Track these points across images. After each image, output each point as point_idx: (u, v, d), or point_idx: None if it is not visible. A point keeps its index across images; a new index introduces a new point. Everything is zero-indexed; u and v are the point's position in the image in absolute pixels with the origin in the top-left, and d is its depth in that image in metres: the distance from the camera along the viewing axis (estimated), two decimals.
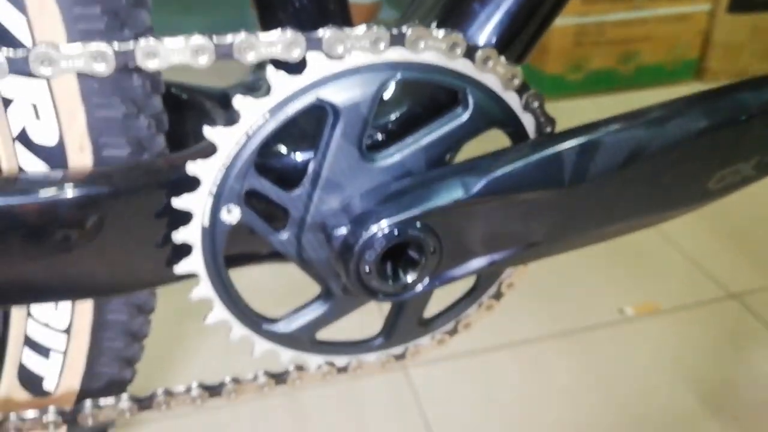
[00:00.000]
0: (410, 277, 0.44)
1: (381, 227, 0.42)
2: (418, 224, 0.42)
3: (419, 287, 0.45)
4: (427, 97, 0.45)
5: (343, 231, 0.43)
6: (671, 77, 2.11)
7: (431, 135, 0.44)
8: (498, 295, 0.54)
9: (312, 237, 0.44)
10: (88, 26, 0.39)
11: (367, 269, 0.42)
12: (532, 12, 0.45)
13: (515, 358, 1.09)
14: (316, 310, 0.48)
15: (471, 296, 0.53)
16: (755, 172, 0.46)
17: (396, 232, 0.42)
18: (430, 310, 0.54)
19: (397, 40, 0.40)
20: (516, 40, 0.45)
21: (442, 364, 1.06)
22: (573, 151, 0.42)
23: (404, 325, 0.52)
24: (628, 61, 2.04)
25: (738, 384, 1.09)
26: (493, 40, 0.44)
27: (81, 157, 0.43)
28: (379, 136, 0.46)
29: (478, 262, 0.45)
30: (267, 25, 0.48)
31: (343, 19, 0.48)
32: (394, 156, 0.44)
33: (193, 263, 0.43)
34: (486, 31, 0.44)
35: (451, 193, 0.42)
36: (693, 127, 0.43)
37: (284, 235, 0.44)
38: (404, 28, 0.40)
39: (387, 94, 0.45)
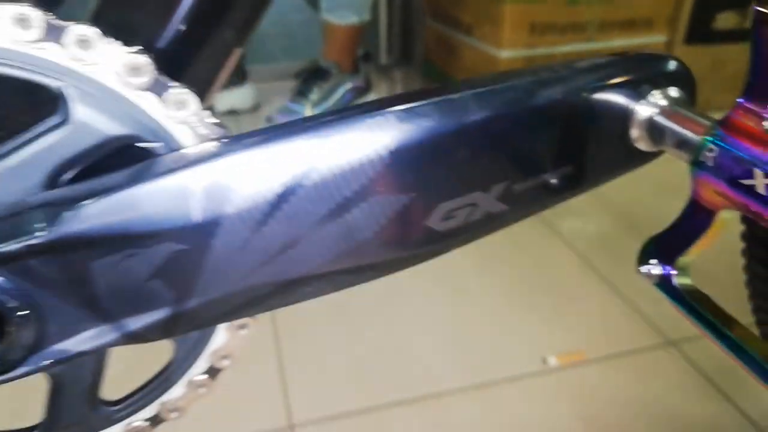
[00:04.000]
0: None
1: None
2: None
3: (22, 369, 0.32)
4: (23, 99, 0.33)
5: None
6: None
7: (22, 153, 0.31)
8: (212, 371, 0.40)
9: None
10: None
11: None
12: None
13: (419, 415, 0.97)
14: None
15: (170, 371, 0.40)
16: (505, 205, 0.33)
17: None
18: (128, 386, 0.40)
19: None
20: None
21: (334, 423, 0.93)
22: (216, 172, 0.29)
23: (69, 410, 0.38)
24: None
25: None
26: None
27: None
28: None
29: (100, 334, 0.32)
30: None
31: None
32: None
33: None
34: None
35: (27, 234, 0.29)
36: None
37: None
38: None
39: None
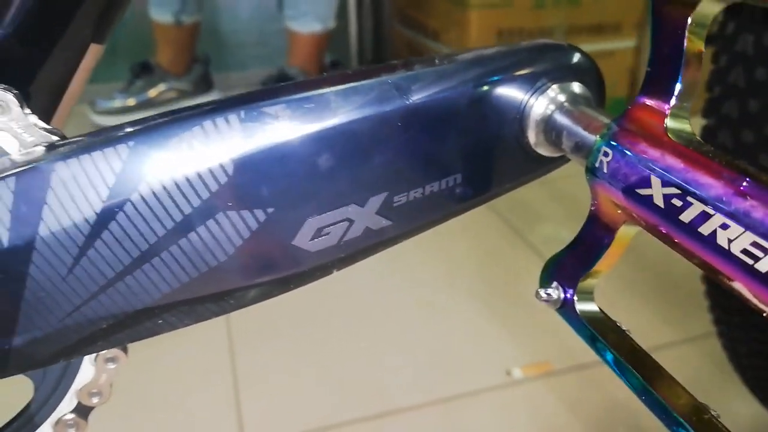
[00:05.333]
0: None
1: None
2: None
3: None
4: None
5: None
6: None
7: None
8: (81, 410, 0.36)
9: None
10: None
11: None
12: None
13: (382, 428, 0.94)
14: None
15: (32, 411, 0.35)
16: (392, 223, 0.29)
17: None
18: None
19: None
20: None
21: None
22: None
23: None
24: None
25: None
26: None
27: None
28: None
29: None
30: None
31: None
32: None
33: None
34: None
35: None
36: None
37: None
38: None
39: None
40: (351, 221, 0.28)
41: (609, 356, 0.24)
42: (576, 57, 0.30)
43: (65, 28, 0.31)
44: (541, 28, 1.81)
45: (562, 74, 0.28)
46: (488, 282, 1.27)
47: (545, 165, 0.29)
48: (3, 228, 0.24)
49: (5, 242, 0.24)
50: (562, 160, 0.30)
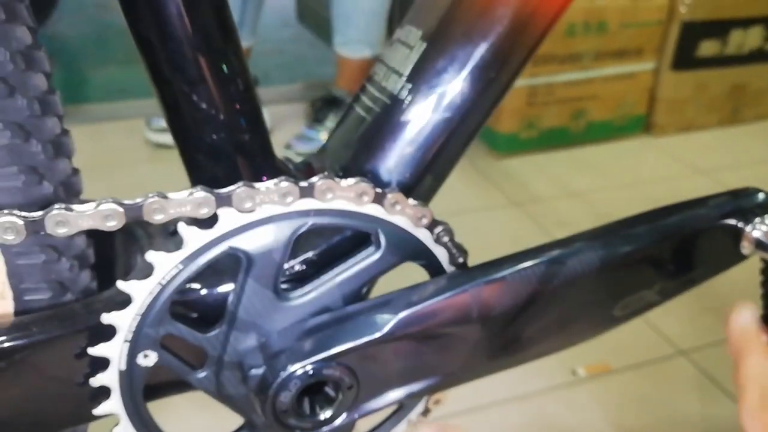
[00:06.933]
0: (327, 413, 0.45)
1: (296, 368, 0.43)
2: (334, 363, 0.43)
3: (338, 422, 0.46)
4: (346, 236, 0.47)
5: (259, 371, 0.44)
6: (621, 132, 2.18)
7: (346, 272, 0.45)
8: (425, 412, 0.55)
9: (230, 375, 0.45)
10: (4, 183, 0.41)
11: (283, 408, 0.43)
12: (439, 154, 0.47)
13: (474, 420, 1.11)
14: None
15: (398, 415, 0.55)
16: (659, 297, 0.49)
17: (311, 372, 0.43)
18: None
19: (306, 192, 0.42)
20: (424, 180, 0.47)
21: None
22: (479, 287, 0.44)
23: None
24: (579, 119, 2.10)
25: None
26: (402, 182, 0.47)
27: (2, 304, 0.44)
28: (297, 274, 0.47)
29: (396, 394, 0.47)
30: (188, 161, 0.49)
31: (264, 152, 0.50)
32: (309, 294, 0.45)
33: (112, 405, 0.44)
34: (394, 174, 0.46)
35: (365, 332, 0.44)
36: (593, 261, 0.45)
37: (203, 374, 0.45)
38: (314, 180, 0.42)
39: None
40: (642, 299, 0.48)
41: None
42: (763, 195, 0.50)
43: None
44: (572, 53, 2.01)
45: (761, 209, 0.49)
46: None
47: (743, 259, 0.50)
48: (469, 315, 0.44)
49: (472, 319, 0.44)
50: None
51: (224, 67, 0.44)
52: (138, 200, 0.39)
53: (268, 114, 2.21)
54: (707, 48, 2.13)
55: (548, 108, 2.05)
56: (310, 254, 0.48)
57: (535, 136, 2.07)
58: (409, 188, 0.47)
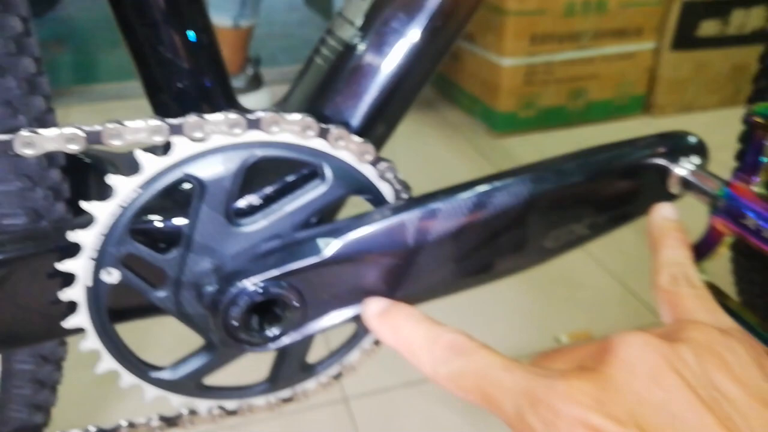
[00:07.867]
0: (275, 330, 0.49)
1: (245, 285, 0.47)
2: (281, 283, 0.47)
3: (285, 339, 0.50)
4: (301, 173, 0.51)
5: (211, 289, 0.48)
6: (620, 112, 2.20)
7: (295, 202, 0.49)
8: (378, 341, 0.59)
9: (188, 294, 0.49)
10: None
11: (234, 323, 0.47)
12: (389, 101, 0.51)
13: (432, 394, 1.15)
14: (200, 360, 0.53)
15: (351, 342, 0.59)
16: (590, 231, 0.52)
17: (260, 290, 0.47)
18: (316, 355, 0.59)
19: (254, 125, 0.46)
20: (376, 126, 0.51)
21: (381, 396, 1.12)
22: (416, 215, 0.48)
23: (288, 370, 0.57)
24: (578, 98, 2.12)
25: None
26: (354, 127, 0.51)
27: None
28: (256, 208, 0.51)
29: (341, 315, 0.51)
30: (156, 107, 0.54)
31: (227, 97, 0.54)
32: (260, 222, 0.49)
33: (80, 319, 0.48)
34: (347, 119, 0.51)
35: (311, 255, 0.48)
36: (523, 194, 0.49)
37: (162, 293, 0.49)
38: (260, 114, 0.46)
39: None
40: (573, 232, 0.51)
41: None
42: (694, 140, 0.53)
43: None
44: (571, 33, 2.03)
45: (687, 150, 0.52)
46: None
47: (671, 198, 0.53)
48: (407, 238, 0.48)
49: (408, 244, 0.48)
50: (679, 196, 0.53)
51: (183, 10, 0.48)
52: (97, 126, 0.43)
53: (273, 93, 2.26)
54: (708, 28, 2.14)
55: (547, 87, 2.07)
56: (267, 189, 0.52)
57: (534, 116, 2.10)
58: (360, 133, 0.51)
